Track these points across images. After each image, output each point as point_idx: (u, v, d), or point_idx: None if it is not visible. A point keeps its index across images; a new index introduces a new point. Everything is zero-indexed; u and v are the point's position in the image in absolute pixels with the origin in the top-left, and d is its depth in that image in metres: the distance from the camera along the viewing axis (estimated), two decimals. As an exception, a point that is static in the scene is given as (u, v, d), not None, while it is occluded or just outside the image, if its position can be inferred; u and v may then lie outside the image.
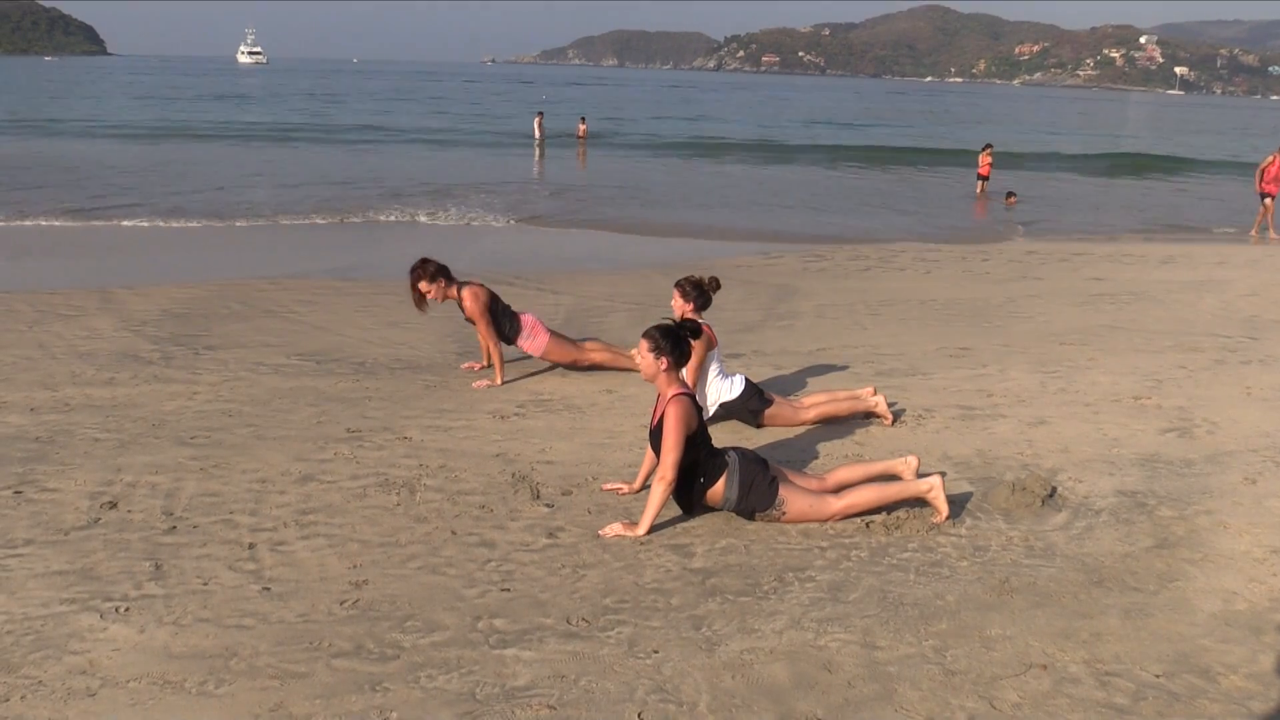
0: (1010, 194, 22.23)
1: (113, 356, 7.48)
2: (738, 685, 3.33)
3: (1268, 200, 17.95)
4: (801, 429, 6.11)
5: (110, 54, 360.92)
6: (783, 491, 4.63)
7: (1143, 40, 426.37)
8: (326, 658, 3.45)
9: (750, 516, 4.68)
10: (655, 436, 4.63)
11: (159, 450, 5.45)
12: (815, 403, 6.17)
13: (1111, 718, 3.21)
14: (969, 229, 18.10)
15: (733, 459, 4.66)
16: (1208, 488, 5.23)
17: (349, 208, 17.25)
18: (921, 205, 21.63)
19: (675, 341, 4.63)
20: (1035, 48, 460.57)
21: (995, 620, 3.80)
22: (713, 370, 6.05)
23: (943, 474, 4.84)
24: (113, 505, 4.69)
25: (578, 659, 3.46)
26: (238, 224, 15.63)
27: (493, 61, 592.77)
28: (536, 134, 34.63)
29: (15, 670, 3.34)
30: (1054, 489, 5.07)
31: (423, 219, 16.71)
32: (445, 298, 6.96)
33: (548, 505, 4.82)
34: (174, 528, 4.47)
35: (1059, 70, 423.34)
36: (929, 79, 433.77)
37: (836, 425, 6.16)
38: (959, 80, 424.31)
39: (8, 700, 3.17)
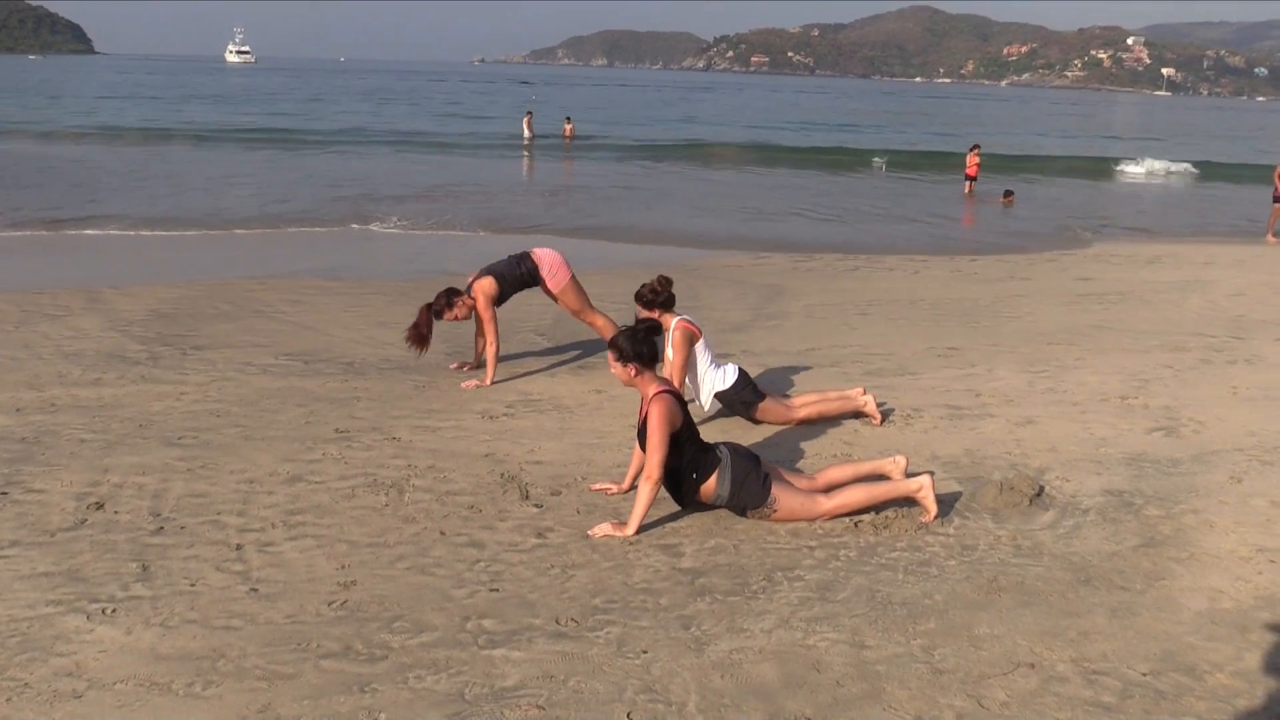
0: (1008, 192, 21.94)
1: (99, 357, 7.44)
2: (727, 685, 3.33)
3: (1277, 204, 17.81)
4: (790, 428, 6.13)
5: (98, 53, 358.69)
6: (775, 489, 4.64)
7: (1130, 41, 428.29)
8: (314, 659, 3.44)
9: (742, 513, 4.69)
10: (642, 435, 4.63)
11: (146, 451, 5.43)
12: (806, 402, 6.20)
13: (1099, 716, 3.23)
14: (1013, 239, 16.63)
15: (724, 454, 4.66)
16: (1194, 487, 5.25)
17: (338, 215, 16.88)
18: (922, 214, 20.48)
19: (635, 342, 4.64)
20: (1023, 49, 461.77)
21: (983, 619, 3.82)
22: (704, 362, 6.07)
23: (931, 473, 4.85)
24: (99, 506, 4.67)
25: (567, 659, 3.46)
26: (224, 228, 15.48)
27: (482, 61, 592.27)
28: (526, 134, 34.60)
29: (1, 672, 3.32)
30: (1041, 488, 5.09)
31: (401, 225, 16.17)
32: (467, 309, 6.93)
33: (536, 505, 4.82)
34: (161, 529, 4.45)
35: (1047, 71, 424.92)
36: (918, 79, 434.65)
37: (825, 425, 6.18)
38: (947, 81, 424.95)
39: (-7, 703, 3.15)
